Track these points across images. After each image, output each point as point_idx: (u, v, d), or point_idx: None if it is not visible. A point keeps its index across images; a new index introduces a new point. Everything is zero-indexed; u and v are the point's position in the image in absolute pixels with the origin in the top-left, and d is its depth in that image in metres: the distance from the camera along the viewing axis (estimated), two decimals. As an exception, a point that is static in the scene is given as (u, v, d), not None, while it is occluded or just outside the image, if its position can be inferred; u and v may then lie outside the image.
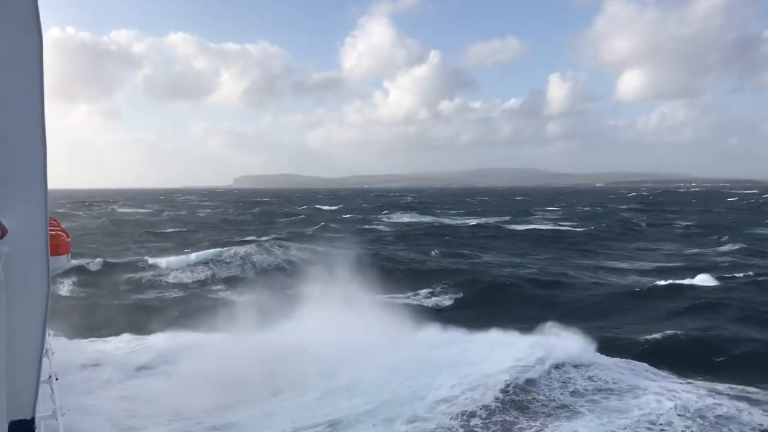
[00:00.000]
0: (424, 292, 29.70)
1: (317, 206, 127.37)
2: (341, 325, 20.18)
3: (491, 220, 79.71)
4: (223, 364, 16.33)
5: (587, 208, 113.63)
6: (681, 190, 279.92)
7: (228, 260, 35.32)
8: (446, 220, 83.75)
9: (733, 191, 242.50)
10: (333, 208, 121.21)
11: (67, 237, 7.82)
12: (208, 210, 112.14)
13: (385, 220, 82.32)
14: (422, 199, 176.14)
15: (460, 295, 28.52)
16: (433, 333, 20.41)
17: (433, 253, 42.47)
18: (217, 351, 17.90)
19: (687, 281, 29.77)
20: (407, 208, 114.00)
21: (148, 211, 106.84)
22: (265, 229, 57.30)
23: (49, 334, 5.51)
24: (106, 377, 16.50)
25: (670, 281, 29.87)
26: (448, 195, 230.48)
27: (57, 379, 5.85)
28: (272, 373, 16.29)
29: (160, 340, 20.09)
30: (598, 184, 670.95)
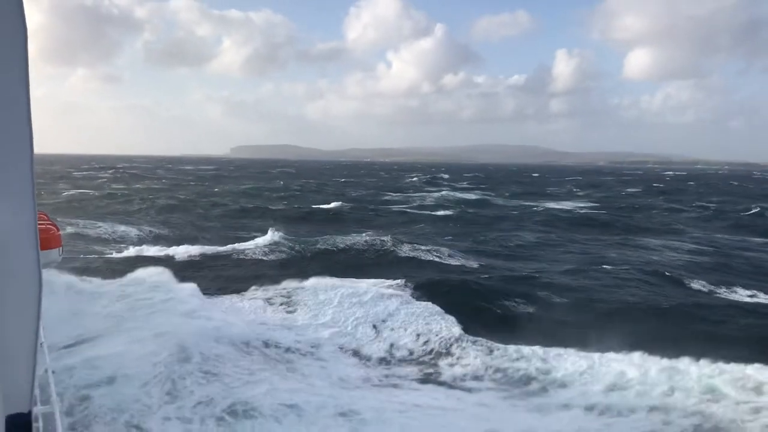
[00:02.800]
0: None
1: (339, 179, 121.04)
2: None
3: (538, 201, 73.32)
4: None
5: (622, 189, 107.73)
6: (709, 172, 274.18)
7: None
8: (481, 197, 78.03)
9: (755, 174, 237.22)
10: (353, 180, 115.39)
11: (58, 231, 8.01)
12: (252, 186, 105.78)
13: (427, 196, 76.13)
14: (436, 174, 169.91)
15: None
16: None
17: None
18: None
19: None
20: (434, 184, 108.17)
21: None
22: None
23: (42, 328, 4.74)
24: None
25: None
26: (458, 171, 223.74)
27: (54, 372, 5.88)
28: None
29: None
30: (599, 163, 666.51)
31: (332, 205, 55.54)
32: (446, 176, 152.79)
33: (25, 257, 3.10)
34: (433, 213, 53.90)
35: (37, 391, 4.30)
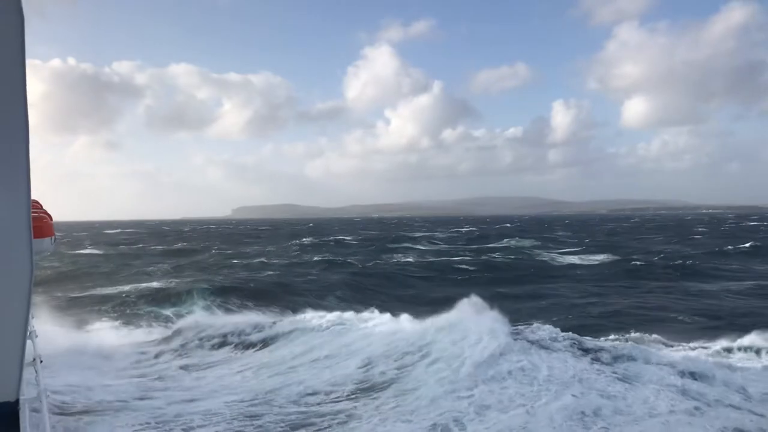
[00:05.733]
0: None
1: (362, 231, 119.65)
2: None
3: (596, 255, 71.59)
4: None
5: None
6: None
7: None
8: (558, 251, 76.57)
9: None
10: (373, 234, 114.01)
11: (51, 219, 7.78)
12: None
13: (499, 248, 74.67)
14: (459, 227, 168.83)
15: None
16: None
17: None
18: None
19: None
20: (478, 238, 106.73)
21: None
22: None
23: (32, 317, 5.26)
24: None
25: None
26: (473, 223, 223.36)
27: (41, 361, 5.91)
28: None
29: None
30: (601, 211, 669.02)
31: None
32: (471, 228, 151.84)
33: (18, 245, 3.03)
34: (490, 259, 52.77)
35: (24, 380, 4.28)
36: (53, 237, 7.96)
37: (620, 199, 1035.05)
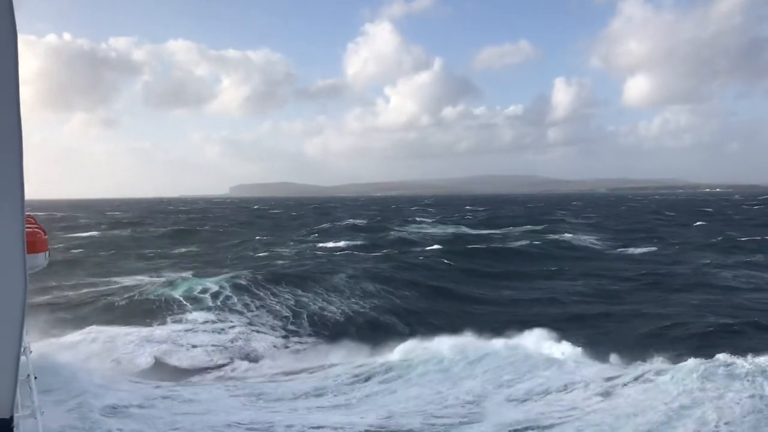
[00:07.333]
0: None
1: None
2: None
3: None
4: None
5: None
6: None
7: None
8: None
9: None
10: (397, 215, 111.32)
11: (45, 234, 7.74)
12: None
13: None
14: (477, 208, 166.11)
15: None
16: None
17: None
18: None
19: None
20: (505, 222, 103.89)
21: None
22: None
23: (26, 333, 4.71)
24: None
25: None
26: (486, 203, 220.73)
27: (36, 378, 5.83)
28: None
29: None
30: (600, 190, 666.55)
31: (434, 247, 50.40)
32: (478, 209, 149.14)
33: (11, 261, 3.01)
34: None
35: (18, 397, 4.21)
36: (47, 252, 7.84)
37: (620, 178, 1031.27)
